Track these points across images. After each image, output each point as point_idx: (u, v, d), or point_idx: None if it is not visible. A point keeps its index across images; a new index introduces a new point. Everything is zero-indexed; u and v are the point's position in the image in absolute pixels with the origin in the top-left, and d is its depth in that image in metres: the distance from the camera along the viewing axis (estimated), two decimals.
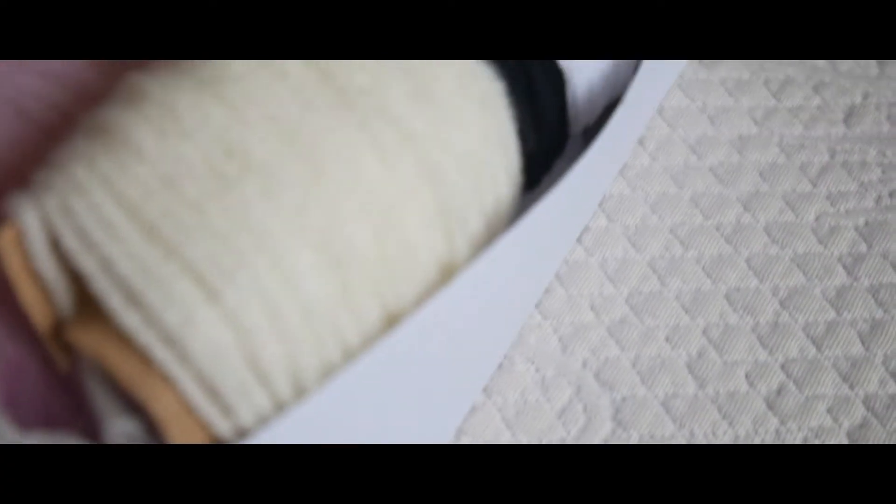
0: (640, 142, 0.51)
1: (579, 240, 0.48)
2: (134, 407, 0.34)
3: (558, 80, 0.40)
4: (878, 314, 0.46)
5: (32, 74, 0.37)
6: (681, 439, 0.43)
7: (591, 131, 0.43)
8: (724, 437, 0.43)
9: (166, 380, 0.33)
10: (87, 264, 0.33)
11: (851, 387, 0.44)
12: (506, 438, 0.43)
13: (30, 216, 0.33)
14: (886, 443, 0.43)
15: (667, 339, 0.46)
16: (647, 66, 0.43)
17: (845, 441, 0.43)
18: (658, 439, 0.43)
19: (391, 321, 0.36)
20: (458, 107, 0.37)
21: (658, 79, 0.49)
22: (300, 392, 0.34)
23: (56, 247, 0.34)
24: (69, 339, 0.34)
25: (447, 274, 0.37)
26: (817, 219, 0.49)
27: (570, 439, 0.43)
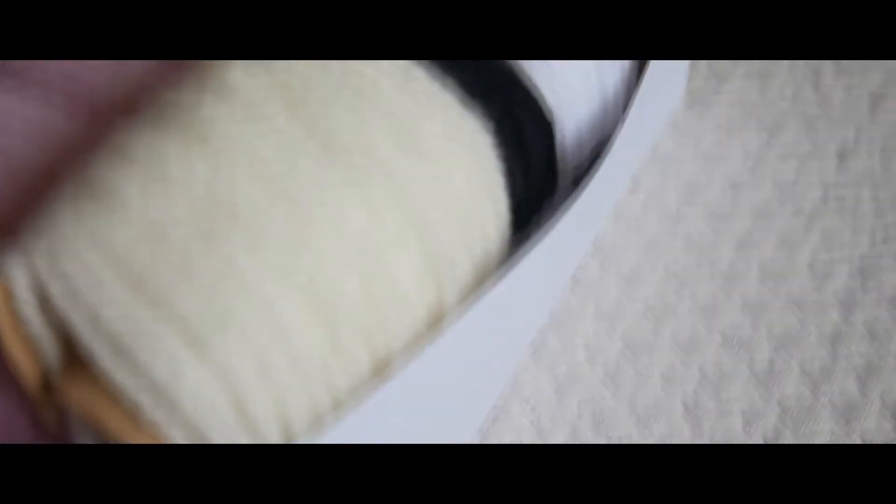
0: (633, 184, 0.51)
1: (573, 284, 0.48)
2: None
3: (546, 126, 0.40)
4: (874, 355, 0.46)
5: (17, 136, 0.38)
6: None
7: (582, 175, 0.43)
8: None
9: (156, 433, 0.33)
10: (76, 320, 0.33)
11: (848, 426, 0.44)
12: None
13: (18, 273, 0.34)
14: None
15: (661, 382, 0.46)
16: (637, 108, 0.44)
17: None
18: None
19: (380, 368, 0.36)
20: (444, 156, 0.37)
21: (649, 121, 0.49)
22: (290, 441, 0.34)
23: (44, 303, 0.34)
24: (58, 394, 0.34)
25: (436, 321, 0.37)
26: (811, 259, 0.49)
27: None
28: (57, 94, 0.40)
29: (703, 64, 0.54)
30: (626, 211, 0.50)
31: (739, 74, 0.54)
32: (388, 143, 0.36)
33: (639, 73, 0.44)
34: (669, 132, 0.53)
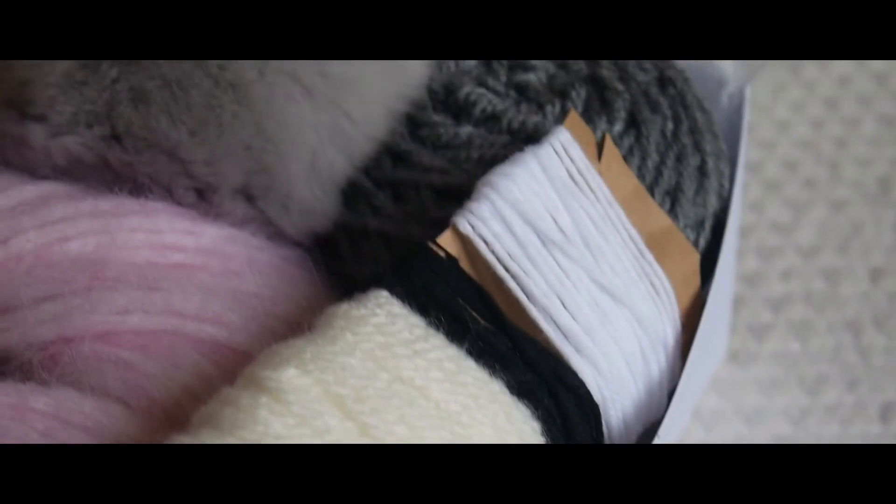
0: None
1: None
2: None
3: (592, 414, 0.41)
4: None
5: (78, 431, 0.39)
6: None
7: None
8: None
9: None
10: None
11: None
12: None
13: None
14: None
15: None
16: (683, 385, 0.44)
17: None
18: None
19: None
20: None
21: (693, 387, 0.50)
22: None
23: None
24: None
25: None
26: None
27: None
28: (114, 383, 0.41)
29: (743, 320, 0.55)
30: None
31: (779, 330, 0.55)
32: (440, 440, 0.37)
33: (684, 351, 0.45)
34: (712, 389, 0.53)
